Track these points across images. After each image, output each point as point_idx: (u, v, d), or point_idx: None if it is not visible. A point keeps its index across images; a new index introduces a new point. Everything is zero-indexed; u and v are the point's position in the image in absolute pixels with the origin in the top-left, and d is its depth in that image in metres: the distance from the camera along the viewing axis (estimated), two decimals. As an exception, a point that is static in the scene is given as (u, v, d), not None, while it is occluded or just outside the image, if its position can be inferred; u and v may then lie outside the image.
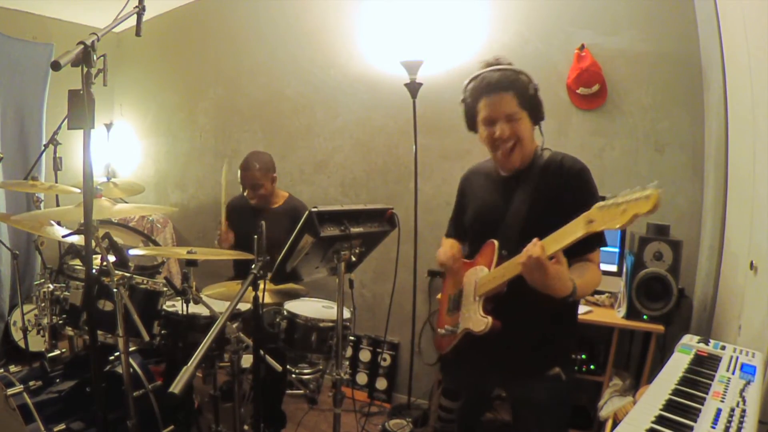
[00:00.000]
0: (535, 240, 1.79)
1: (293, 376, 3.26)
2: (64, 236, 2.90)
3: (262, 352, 2.43)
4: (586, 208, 1.83)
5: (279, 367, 2.67)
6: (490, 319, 2.02)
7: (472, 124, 2.20)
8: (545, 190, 2.08)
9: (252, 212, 3.87)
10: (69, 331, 2.94)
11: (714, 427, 1.49)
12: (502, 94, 2.04)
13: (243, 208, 3.95)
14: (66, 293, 2.97)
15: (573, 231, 1.72)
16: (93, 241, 2.24)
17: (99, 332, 2.67)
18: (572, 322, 2.31)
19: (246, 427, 3.00)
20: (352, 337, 4.17)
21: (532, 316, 2.06)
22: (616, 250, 3.39)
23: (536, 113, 2.10)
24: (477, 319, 2.07)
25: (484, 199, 2.27)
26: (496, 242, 2.11)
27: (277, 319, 3.10)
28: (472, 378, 2.41)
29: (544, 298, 2.03)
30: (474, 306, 2.11)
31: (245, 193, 3.84)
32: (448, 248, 2.35)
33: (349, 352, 4.47)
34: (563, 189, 2.05)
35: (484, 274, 2.12)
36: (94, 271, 2.16)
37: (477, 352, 2.18)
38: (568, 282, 1.84)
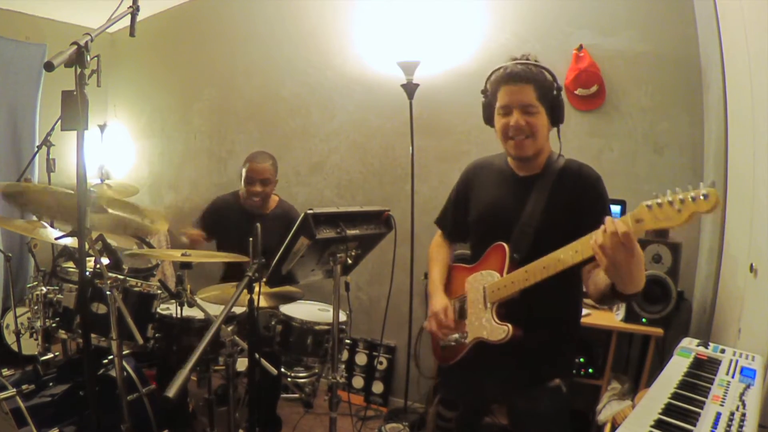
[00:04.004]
0: (609, 218, 1.64)
1: (289, 379, 3.25)
2: (57, 238, 2.87)
3: (257, 356, 2.41)
4: (601, 218, 1.81)
5: (274, 371, 2.65)
6: (509, 326, 1.98)
7: (489, 117, 2.18)
8: (562, 195, 2.06)
9: (242, 215, 3.79)
10: (62, 334, 2.91)
11: (714, 431, 1.47)
12: (522, 84, 2.03)
13: (232, 209, 3.88)
14: (59, 296, 2.95)
15: (623, 227, 1.62)
16: (86, 244, 2.22)
17: (92, 335, 2.66)
18: (576, 331, 2.28)
19: (241, 431, 2.98)
20: (348, 341, 4.18)
21: (541, 321, 2.03)
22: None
23: (555, 113, 2.09)
24: (493, 328, 2.02)
25: (495, 197, 2.22)
26: (506, 245, 2.08)
27: (273, 323, 3.08)
28: (473, 389, 2.37)
29: (553, 304, 2.01)
30: (486, 314, 2.07)
31: (248, 189, 3.69)
32: (443, 304, 2.28)
33: (345, 355, 4.45)
34: (581, 197, 2.04)
35: (494, 280, 2.08)
36: (87, 273, 2.14)
37: (482, 360, 2.15)
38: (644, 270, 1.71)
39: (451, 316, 2.24)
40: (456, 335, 2.21)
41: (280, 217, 3.79)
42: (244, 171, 3.71)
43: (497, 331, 2.01)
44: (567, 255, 1.81)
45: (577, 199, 2.03)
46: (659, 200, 1.54)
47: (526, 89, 2.02)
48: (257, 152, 3.79)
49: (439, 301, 2.31)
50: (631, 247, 1.59)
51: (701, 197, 1.45)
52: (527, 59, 2.10)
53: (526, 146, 2.07)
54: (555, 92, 2.07)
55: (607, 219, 1.64)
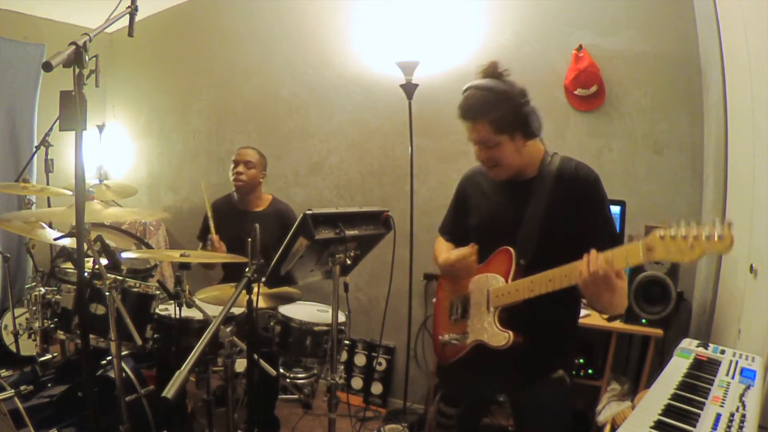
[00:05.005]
0: (594, 252, 1.74)
1: (288, 380, 3.24)
2: (55, 239, 2.86)
3: (256, 357, 2.40)
4: (602, 218, 1.83)
5: (273, 372, 2.64)
6: (511, 334, 1.97)
7: None
8: (561, 198, 2.04)
9: (238, 215, 3.85)
10: (60, 335, 2.91)
11: (713, 432, 1.48)
12: (474, 122, 2.02)
13: (228, 210, 3.92)
14: (57, 297, 2.95)
15: (635, 254, 1.68)
16: (85, 244, 2.21)
17: (91, 336, 2.65)
18: (574, 326, 2.29)
19: (239, 432, 2.98)
20: (347, 341, 4.16)
21: (540, 325, 2.03)
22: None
23: (524, 130, 2.02)
24: (495, 333, 2.02)
25: (495, 203, 2.21)
26: (512, 250, 2.07)
27: (272, 323, 3.07)
28: (475, 385, 2.37)
29: (553, 308, 2.01)
30: (488, 317, 2.07)
31: (234, 172, 3.81)
32: (458, 251, 2.24)
33: (344, 356, 4.44)
34: (581, 198, 2.03)
35: (499, 285, 2.07)
36: (86, 274, 2.13)
37: (481, 360, 2.15)
38: (627, 298, 1.83)
39: (474, 258, 2.20)
40: (456, 335, 2.21)
41: (274, 215, 3.84)
42: (232, 161, 3.87)
43: (498, 336, 2.00)
44: (573, 274, 1.81)
45: (577, 203, 2.02)
46: (672, 232, 1.55)
47: (479, 126, 2.01)
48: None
49: (453, 252, 2.26)
50: (611, 284, 1.71)
51: (716, 238, 1.45)
52: (493, 70, 2.06)
53: (496, 173, 2.12)
54: (516, 113, 2.00)
55: (592, 255, 1.74)
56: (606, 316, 3.11)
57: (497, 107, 1.99)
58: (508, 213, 2.14)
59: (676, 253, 1.55)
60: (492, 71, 2.06)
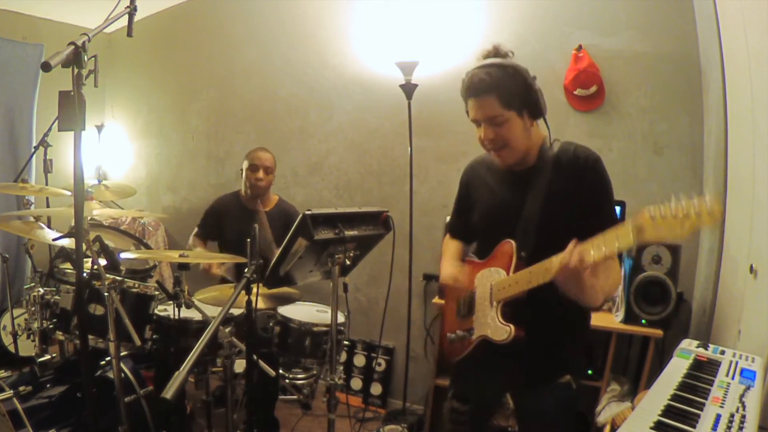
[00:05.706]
0: (573, 244, 1.70)
1: (287, 381, 3.24)
2: (54, 239, 2.86)
3: (255, 357, 2.40)
4: (604, 201, 1.86)
5: (272, 372, 2.64)
6: (512, 327, 1.95)
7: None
8: (560, 184, 2.00)
9: (244, 214, 3.84)
10: (59, 335, 2.91)
11: (713, 432, 1.47)
12: (483, 97, 1.98)
13: (234, 208, 3.92)
14: (56, 297, 2.95)
15: (625, 237, 1.62)
16: (84, 245, 2.21)
17: (90, 337, 2.65)
18: (585, 329, 2.26)
19: (238, 433, 2.97)
20: (346, 342, 4.16)
21: (547, 321, 2.00)
22: (614, 253, 3.37)
23: (532, 108, 2.02)
24: (497, 327, 2.00)
25: (495, 195, 2.18)
26: (513, 243, 2.04)
27: (271, 324, 3.07)
28: (483, 384, 2.34)
29: (559, 304, 1.99)
30: (491, 312, 2.05)
31: (252, 176, 3.78)
32: (451, 267, 2.28)
33: (343, 356, 4.42)
34: (579, 183, 1.98)
35: (501, 278, 2.05)
36: (84, 274, 2.13)
37: (486, 359, 2.14)
38: (600, 295, 1.82)
39: (463, 279, 2.22)
40: (462, 331, 2.20)
41: (279, 215, 3.85)
42: (246, 162, 3.83)
43: (500, 331, 1.99)
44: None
45: (577, 187, 1.98)
46: (662, 211, 1.52)
47: (488, 101, 1.97)
48: (257, 147, 3.92)
49: (447, 268, 2.30)
50: (579, 280, 1.73)
51: (705, 212, 1.44)
52: (497, 51, 2.05)
53: (504, 156, 2.05)
54: (525, 89, 1.99)
55: (570, 246, 1.71)
56: (611, 310, 3.12)
57: (505, 81, 1.97)
58: (508, 204, 2.11)
59: (667, 231, 1.52)
60: (496, 52, 2.06)
